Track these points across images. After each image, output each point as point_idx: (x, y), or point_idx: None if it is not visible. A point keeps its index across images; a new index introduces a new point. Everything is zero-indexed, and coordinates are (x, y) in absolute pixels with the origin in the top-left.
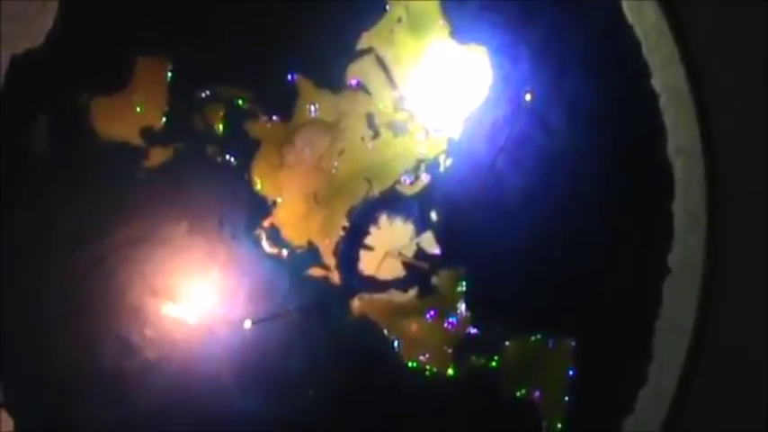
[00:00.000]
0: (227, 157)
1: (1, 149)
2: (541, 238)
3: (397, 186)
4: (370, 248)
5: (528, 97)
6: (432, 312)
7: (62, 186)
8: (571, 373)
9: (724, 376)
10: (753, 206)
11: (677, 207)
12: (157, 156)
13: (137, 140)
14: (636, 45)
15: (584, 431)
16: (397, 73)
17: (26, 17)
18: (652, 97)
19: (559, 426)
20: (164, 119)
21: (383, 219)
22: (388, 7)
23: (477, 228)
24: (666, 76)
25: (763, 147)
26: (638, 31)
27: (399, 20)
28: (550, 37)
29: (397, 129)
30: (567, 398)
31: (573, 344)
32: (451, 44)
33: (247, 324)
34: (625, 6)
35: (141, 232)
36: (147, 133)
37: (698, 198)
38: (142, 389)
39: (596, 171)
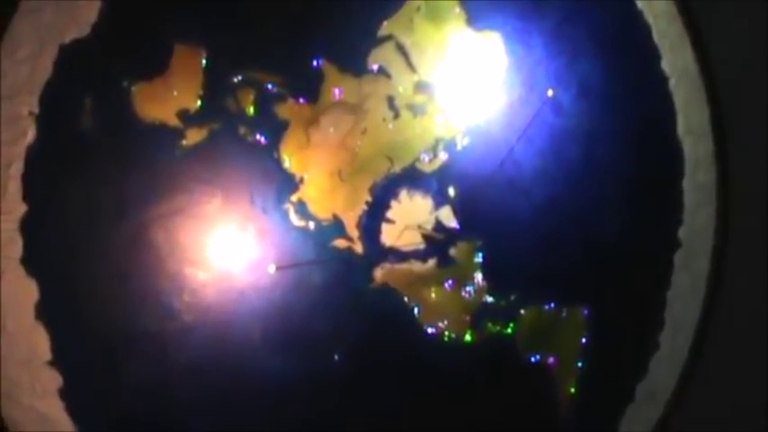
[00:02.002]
0: (258, 137)
1: (53, 131)
2: (555, 213)
3: (417, 164)
4: (391, 221)
5: (550, 93)
6: (450, 281)
7: (108, 163)
8: (584, 340)
9: (734, 343)
10: (760, 183)
11: (687, 184)
12: (193, 136)
13: (174, 122)
14: (646, 29)
15: (597, 396)
16: (416, 58)
17: (74, 9)
18: (662, 79)
19: (573, 390)
20: (199, 102)
21: (403, 194)
22: None
23: (493, 202)
24: (675, 58)
25: None
26: (648, 16)
27: (418, 9)
28: (563, 23)
29: (416, 110)
30: (580, 364)
31: (586, 312)
32: (468, 31)
33: (271, 269)
34: None
35: (179, 205)
36: (183, 115)
37: (707, 175)
38: (180, 348)
39: (609, 150)
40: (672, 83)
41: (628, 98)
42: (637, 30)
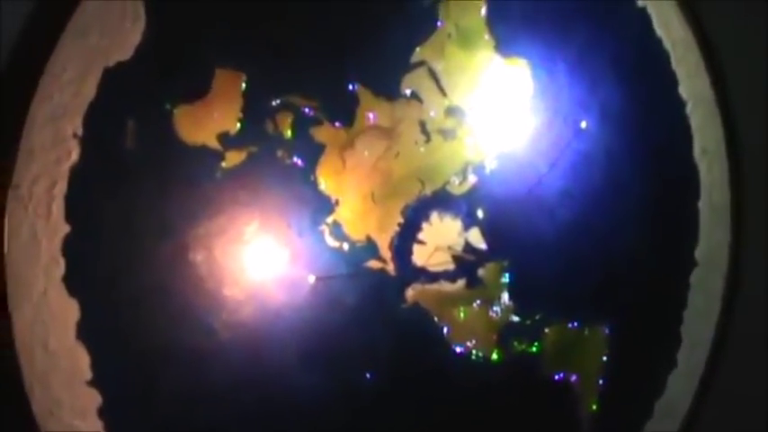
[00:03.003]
0: (295, 159)
1: (96, 152)
2: (577, 233)
3: (447, 187)
4: (422, 243)
5: (583, 125)
6: (478, 301)
7: (150, 184)
8: (605, 358)
9: (749, 359)
10: None
11: (703, 204)
12: (233, 158)
13: (214, 144)
14: (665, 56)
15: (618, 412)
16: (446, 83)
17: (118, 32)
18: (680, 104)
19: (594, 407)
20: (238, 125)
21: (434, 216)
22: (439, 24)
23: (519, 224)
24: (692, 84)
25: None
26: (667, 44)
27: (449, 35)
28: (585, 50)
29: (446, 134)
30: (601, 381)
31: (607, 331)
32: (496, 57)
33: (311, 279)
34: (654, 21)
35: (219, 227)
36: (223, 138)
37: (722, 196)
38: (218, 366)
39: (629, 172)
40: (689, 107)
41: (646, 122)
42: (656, 57)
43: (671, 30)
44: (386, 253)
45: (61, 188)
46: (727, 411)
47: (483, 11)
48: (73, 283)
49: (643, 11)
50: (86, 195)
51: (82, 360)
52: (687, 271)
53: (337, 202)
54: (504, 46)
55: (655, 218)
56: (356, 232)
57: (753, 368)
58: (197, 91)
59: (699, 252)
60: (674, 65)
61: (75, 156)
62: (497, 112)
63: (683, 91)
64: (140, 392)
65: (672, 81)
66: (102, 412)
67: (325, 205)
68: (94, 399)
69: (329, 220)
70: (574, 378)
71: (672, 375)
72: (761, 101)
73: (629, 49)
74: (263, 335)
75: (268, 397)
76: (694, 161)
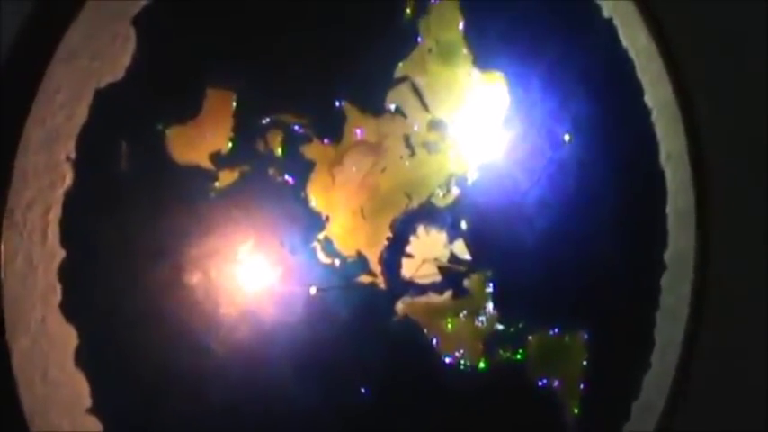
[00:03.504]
0: (286, 177)
1: (89, 175)
2: (554, 241)
3: (432, 199)
4: (410, 256)
5: (567, 138)
6: (464, 312)
7: (145, 206)
8: (585, 362)
9: (718, 359)
10: (736, 205)
11: (670, 209)
12: (226, 178)
13: (207, 164)
14: (630, 66)
15: (598, 415)
16: (429, 98)
17: (109, 53)
18: (646, 112)
19: (576, 411)
20: (230, 144)
21: (421, 229)
22: (419, 40)
23: (501, 234)
24: (656, 92)
25: (744, 152)
26: (632, 53)
27: (430, 50)
28: (556, 64)
29: (430, 147)
30: (582, 385)
31: (586, 336)
32: (474, 71)
33: (313, 290)
34: (620, 32)
35: (214, 246)
36: (215, 157)
37: (686, 200)
38: (216, 386)
39: (601, 180)
40: (654, 115)
41: (615, 131)
42: (622, 67)
43: (635, 39)
44: (376, 267)
45: (56, 213)
46: (700, 409)
47: (461, 26)
48: (70, 308)
49: (609, 22)
50: (81, 219)
51: (81, 387)
52: (658, 274)
53: (328, 219)
54: (481, 60)
55: (627, 224)
56: (347, 248)
57: (721, 366)
58: (188, 111)
59: (668, 255)
60: (639, 74)
61: (68, 180)
62: (477, 125)
63: (648, 99)
64: (141, 418)
65: (638, 90)
66: None
67: (316, 222)
68: (95, 426)
69: (320, 236)
70: (557, 383)
71: (647, 377)
72: (720, 106)
73: (597, 61)
74: (260, 353)
75: (266, 414)
76: (661, 167)
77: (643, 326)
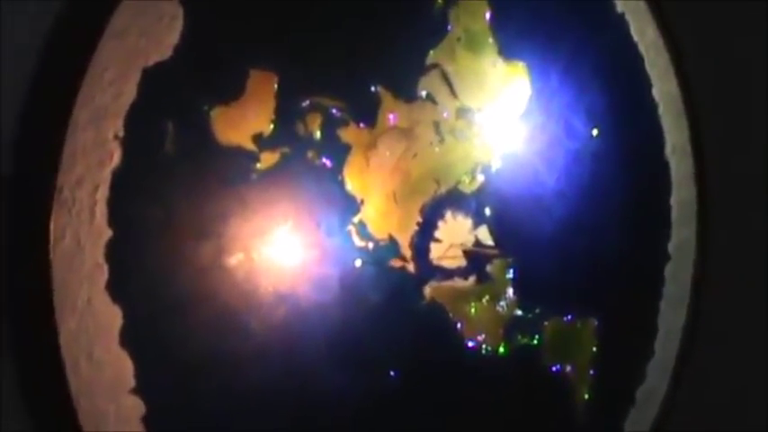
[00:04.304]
0: (324, 160)
1: (137, 154)
2: (570, 230)
3: (459, 186)
4: (438, 241)
5: (595, 132)
6: (487, 297)
7: (189, 186)
8: (595, 349)
9: (719, 346)
10: (739, 197)
11: (674, 200)
12: (267, 159)
13: (250, 146)
14: (640, 60)
15: (605, 400)
16: (457, 85)
17: (156, 31)
18: (653, 105)
19: (586, 396)
20: (271, 126)
21: (448, 214)
22: (449, 28)
23: (521, 221)
24: (663, 86)
25: (746, 146)
26: (641, 48)
27: (459, 39)
28: (574, 55)
29: (458, 135)
30: (592, 371)
31: (596, 323)
32: (499, 61)
33: (358, 263)
34: (632, 27)
35: (255, 228)
36: (258, 139)
37: (689, 192)
38: (255, 368)
39: (612, 172)
40: (661, 108)
41: (626, 124)
42: (632, 61)
43: (645, 34)
44: (407, 252)
45: (103, 192)
46: (700, 395)
47: (487, 16)
48: (116, 289)
49: (621, 17)
50: (128, 199)
51: (126, 368)
52: (662, 264)
53: (362, 202)
54: (506, 50)
55: (634, 214)
56: (380, 231)
57: (720, 354)
58: (232, 92)
59: (671, 246)
60: (648, 68)
61: (116, 158)
62: (501, 114)
63: (656, 93)
64: (183, 398)
65: (647, 84)
66: (146, 420)
67: (351, 205)
68: (138, 407)
69: (356, 219)
70: (569, 369)
71: (650, 364)
72: (725, 100)
73: (610, 55)
74: (296, 333)
75: (301, 394)
76: (666, 159)
77: (648, 314)
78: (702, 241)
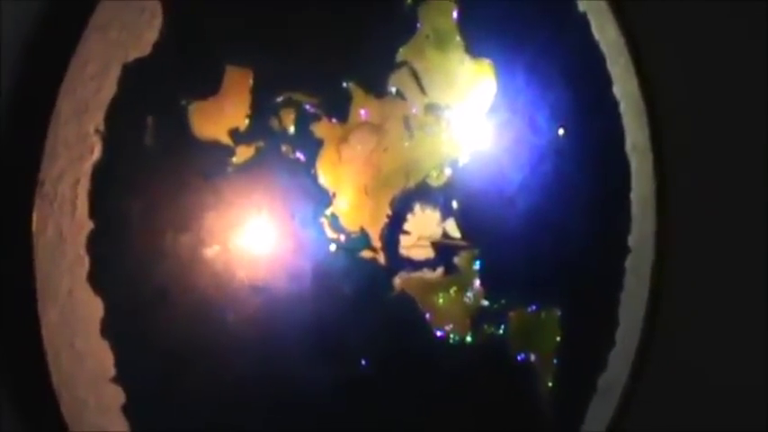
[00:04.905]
0: (298, 154)
1: (117, 148)
2: (533, 222)
3: (427, 179)
4: (407, 233)
5: (561, 131)
6: (454, 288)
7: (168, 179)
8: (559, 338)
9: (678, 337)
10: (698, 193)
11: (634, 195)
12: (243, 153)
13: (226, 140)
14: (602, 59)
15: (568, 388)
16: (426, 82)
17: (137, 27)
18: (614, 103)
19: (550, 384)
20: (247, 121)
21: (417, 207)
22: (418, 26)
23: (487, 214)
24: (624, 84)
25: (705, 143)
26: (603, 47)
27: (427, 36)
28: (539, 53)
29: (426, 130)
30: (555, 360)
31: (559, 313)
32: (466, 58)
33: (332, 247)
34: (593, 25)
35: (231, 220)
36: (234, 133)
37: (648, 188)
38: (233, 358)
39: (574, 167)
40: (621, 106)
41: (587, 121)
42: (594, 60)
43: (606, 33)
44: (377, 243)
45: (84, 185)
46: (659, 385)
47: (454, 14)
48: (97, 280)
49: (584, 15)
50: (108, 192)
51: (106, 358)
52: (623, 257)
53: (335, 195)
54: (472, 48)
55: (596, 208)
56: (351, 224)
57: (679, 344)
58: (209, 87)
59: (631, 239)
60: (609, 67)
61: (97, 152)
62: (467, 110)
63: (617, 91)
64: (162, 388)
65: (607, 82)
66: (126, 409)
67: (324, 198)
68: (118, 396)
69: (328, 212)
70: (534, 358)
71: (612, 353)
72: (684, 98)
73: (573, 53)
74: (271, 324)
75: (278, 384)
76: (626, 156)
77: (609, 305)
78: (662, 235)
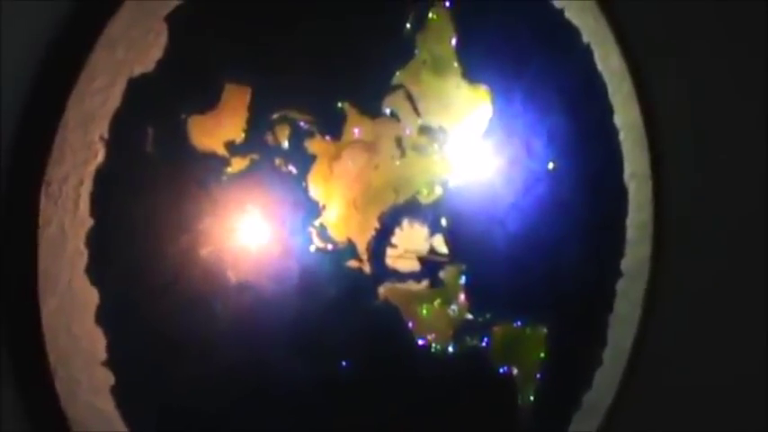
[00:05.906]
0: (290, 167)
1: (119, 155)
2: (524, 243)
3: (417, 197)
4: (394, 246)
5: (551, 166)
6: (438, 300)
7: (166, 185)
8: (543, 355)
9: (664, 361)
10: (691, 222)
11: (630, 222)
12: (237, 164)
13: (222, 151)
14: (604, 88)
15: (551, 404)
16: (421, 105)
17: (143, 46)
18: (614, 131)
19: (531, 398)
20: (243, 135)
21: (405, 222)
22: (416, 52)
23: (476, 233)
24: (625, 113)
25: (700, 174)
26: (606, 77)
27: (424, 62)
28: (537, 81)
29: (419, 150)
30: (538, 375)
31: (545, 331)
32: (463, 83)
33: (312, 248)
34: (596, 56)
35: (225, 224)
36: (229, 146)
37: (646, 215)
38: (220, 349)
39: (570, 191)
40: (621, 135)
41: (586, 147)
42: (596, 89)
43: (609, 62)
44: (363, 254)
45: (87, 186)
46: (644, 405)
47: (453, 41)
48: (94, 273)
49: (588, 46)
50: (109, 193)
51: (99, 343)
52: (614, 280)
53: (324, 207)
54: (469, 74)
55: (590, 232)
56: (339, 234)
57: (667, 368)
58: (208, 103)
59: (624, 264)
60: (611, 96)
61: (100, 157)
62: (462, 133)
63: (617, 120)
64: (150, 374)
65: (609, 110)
66: (115, 390)
67: (314, 209)
68: (108, 378)
69: (317, 222)
70: (515, 371)
71: (598, 372)
72: (683, 128)
73: (574, 81)
74: (258, 322)
75: (260, 377)
76: (624, 183)
77: (598, 326)
78: (656, 261)
